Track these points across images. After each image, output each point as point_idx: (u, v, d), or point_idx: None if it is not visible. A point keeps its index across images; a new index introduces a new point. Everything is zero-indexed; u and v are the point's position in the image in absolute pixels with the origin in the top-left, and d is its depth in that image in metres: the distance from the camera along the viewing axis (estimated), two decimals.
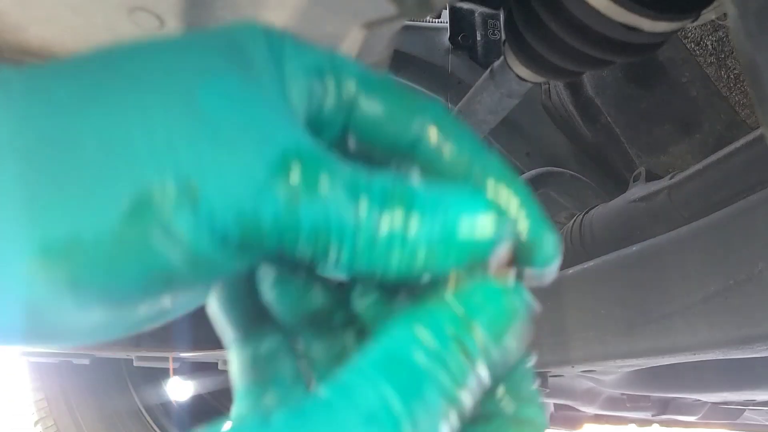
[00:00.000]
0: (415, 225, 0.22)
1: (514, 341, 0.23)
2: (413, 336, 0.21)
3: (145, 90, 0.22)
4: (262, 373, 0.28)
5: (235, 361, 0.29)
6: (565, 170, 1.26)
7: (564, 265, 1.01)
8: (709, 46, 1.09)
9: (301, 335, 0.30)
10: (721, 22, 1.00)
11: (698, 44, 1.09)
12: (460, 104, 0.89)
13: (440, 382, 0.21)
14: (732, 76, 1.09)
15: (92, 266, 0.21)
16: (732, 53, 1.07)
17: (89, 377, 2.04)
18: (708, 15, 0.68)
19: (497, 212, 0.23)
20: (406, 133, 0.26)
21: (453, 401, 0.21)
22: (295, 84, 0.24)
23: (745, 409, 1.24)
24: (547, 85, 1.34)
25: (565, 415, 1.41)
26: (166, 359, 1.73)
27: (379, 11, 0.53)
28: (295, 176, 0.22)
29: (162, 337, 1.59)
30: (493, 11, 1.41)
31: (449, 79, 1.37)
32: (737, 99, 1.10)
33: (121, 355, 1.77)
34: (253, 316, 0.29)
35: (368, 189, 0.22)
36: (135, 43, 0.23)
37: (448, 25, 1.44)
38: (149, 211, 0.21)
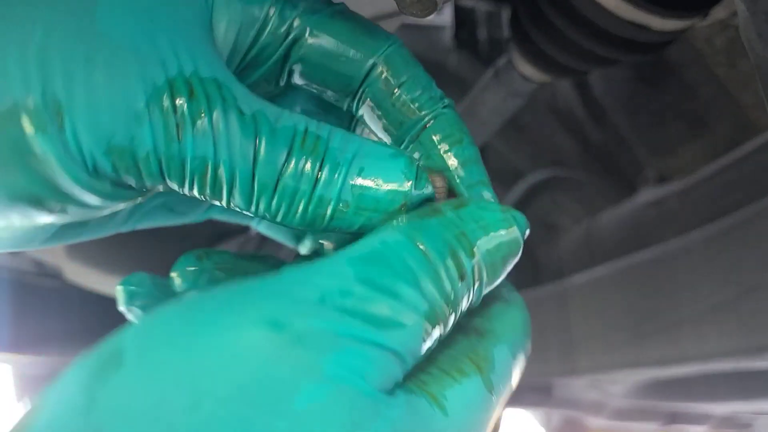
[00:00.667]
0: (323, 175, 0.21)
1: (504, 268, 0.22)
2: (404, 239, 0.20)
3: (37, 7, 0.20)
4: None
5: None
6: (571, 174, 1.25)
7: (570, 272, 0.99)
8: (719, 46, 1.07)
9: None
10: (730, 22, 0.99)
11: (708, 43, 1.08)
12: (462, 104, 0.88)
13: (421, 287, 0.19)
14: (742, 77, 1.07)
15: None
16: (742, 53, 1.06)
17: None
18: (718, 14, 0.67)
19: (412, 173, 0.22)
20: (356, 71, 0.25)
21: (428, 315, 0.20)
22: (225, 9, 0.23)
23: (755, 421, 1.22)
24: (554, 86, 1.33)
25: (572, 426, 1.40)
26: None
27: (377, 8, 0.52)
28: (180, 102, 0.19)
29: None
30: (498, 9, 1.39)
31: (452, 77, 1.36)
32: (748, 100, 1.08)
33: None
34: None
35: (272, 129, 0.20)
36: None
37: (451, 22, 1.43)
38: (14, 126, 0.19)
